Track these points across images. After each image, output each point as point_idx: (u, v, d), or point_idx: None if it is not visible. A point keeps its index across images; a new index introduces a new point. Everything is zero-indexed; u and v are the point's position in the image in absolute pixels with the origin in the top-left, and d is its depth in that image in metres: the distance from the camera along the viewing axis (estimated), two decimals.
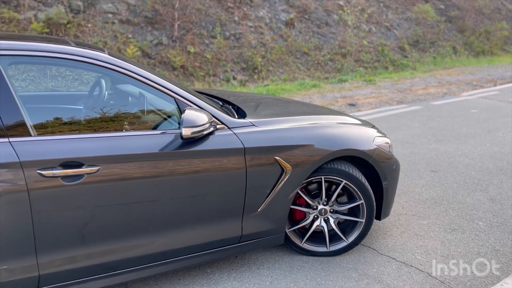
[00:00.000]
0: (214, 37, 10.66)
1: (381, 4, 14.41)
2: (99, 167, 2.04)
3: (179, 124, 2.34)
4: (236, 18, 11.52)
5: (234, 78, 10.20)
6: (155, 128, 2.41)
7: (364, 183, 2.75)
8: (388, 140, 3.04)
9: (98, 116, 2.51)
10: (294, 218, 2.83)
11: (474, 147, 5.17)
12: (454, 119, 6.66)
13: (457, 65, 13.02)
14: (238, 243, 2.53)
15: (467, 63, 13.27)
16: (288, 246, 2.84)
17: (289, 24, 12.05)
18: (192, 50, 10.09)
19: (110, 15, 10.05)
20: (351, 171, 2.72)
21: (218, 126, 2.39)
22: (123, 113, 2.57)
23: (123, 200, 2.16)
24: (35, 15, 9.31)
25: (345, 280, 2.59)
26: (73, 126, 2.35)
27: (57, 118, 2.42)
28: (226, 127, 2.43)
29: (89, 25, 9.85)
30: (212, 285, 2.53)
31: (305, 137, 2.63)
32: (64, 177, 1.98)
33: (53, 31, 9.17)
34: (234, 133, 2.42)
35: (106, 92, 2.90)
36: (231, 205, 2.44)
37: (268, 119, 2.65)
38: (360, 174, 2.77)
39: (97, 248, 2.15)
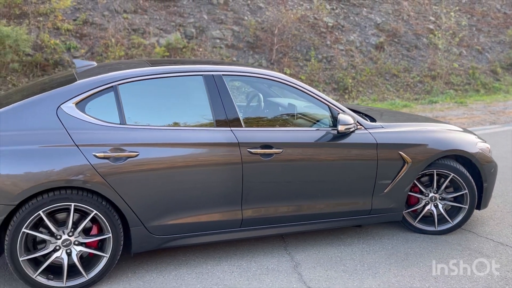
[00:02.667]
0: (308, 60, 11.70)
1: (473, 28, 14.56)
2: (282, 149, 3.03)
3: (329, 124, 3.28)
4: (329, 42, 12.47)
5: None
6: (310, 126, 3.38)
7: (468, 177, 3.47)
8: (488, 146, 3.73)
9: (273, 117, 3.58)
10: (409, 202, 3.60)
11: None
12: None
13: None
14: (368, 214, 3.38)
15: None
16: (403, 224, 3.62)
17: (379, 47, 12.74)
18: (288, 71, 11.18)
19: (218, 41, 11.50)
20: (457, 167, 3.46)
21: (357, 127, 3.29)
22: (286, 116, 3.59)
23: (293, 173, 3.13)
24: (157, 41, 10.99)
25: (451, 250, 3.31)
26: (261, 122, 3.41)
27: (249, 116, 3.51)
28: (363, 128, 3.32)
29: (200, 49, 11.35)
30: (347, 245, 3.39)
31: (421, 138, 3.44)
32: (262, 155, 2.99)
33: (171, 55, 10.77)
34: (369, 132, 3.31)
35: (263, 104, 3.94)
36: (365, 185, 3.31)
37: (392, 123, 3.51)
38: (465, 170, 3.49)
39: (271, 205, 3.11)
